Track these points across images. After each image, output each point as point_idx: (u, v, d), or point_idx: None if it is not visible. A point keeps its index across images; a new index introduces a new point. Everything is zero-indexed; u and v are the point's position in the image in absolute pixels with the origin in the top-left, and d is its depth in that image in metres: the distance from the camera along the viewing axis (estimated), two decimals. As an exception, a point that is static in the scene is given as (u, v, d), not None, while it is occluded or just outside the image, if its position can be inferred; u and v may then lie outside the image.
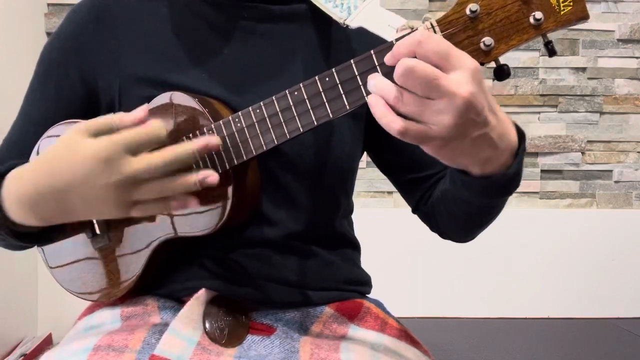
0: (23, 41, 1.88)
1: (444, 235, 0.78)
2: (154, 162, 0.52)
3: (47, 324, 1.96)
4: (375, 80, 0.48)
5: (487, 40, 0.49)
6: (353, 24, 0.61)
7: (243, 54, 0.69)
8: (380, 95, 0.47)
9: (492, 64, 0.52)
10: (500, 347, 1.83)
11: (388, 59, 0.48)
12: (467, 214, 0.67)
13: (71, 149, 0.53)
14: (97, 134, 0.53)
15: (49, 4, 2.03)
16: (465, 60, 0.46)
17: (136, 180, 0.52)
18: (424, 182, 0.77)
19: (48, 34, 2.03)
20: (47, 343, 1.86)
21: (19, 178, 0.59)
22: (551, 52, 0.50)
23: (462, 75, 0.45)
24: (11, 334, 1.80)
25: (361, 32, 0.59)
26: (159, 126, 0.53)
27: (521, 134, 0.55)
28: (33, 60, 0.75)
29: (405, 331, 0.73)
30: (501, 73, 0.51)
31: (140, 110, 0.54)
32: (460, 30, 0.50)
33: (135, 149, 0.52)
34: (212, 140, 0.55)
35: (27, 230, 0.62)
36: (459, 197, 0.62)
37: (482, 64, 0.50)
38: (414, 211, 0.81)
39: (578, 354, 1.79)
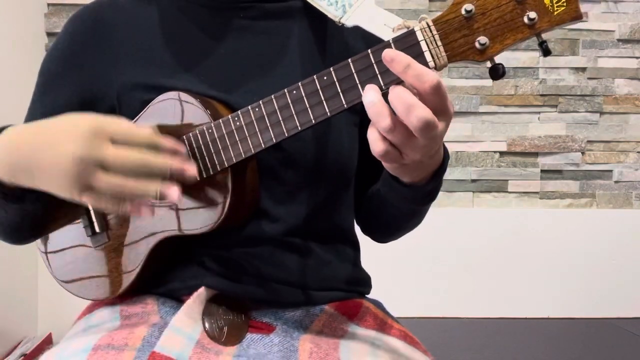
0: (23, 41, 1.88)
1: (365, 230, 0.85)
2: (127, 158, 0.52)
3: (47, 324, 1.96)
4: (371, 101, 0.50)
5: (482, 39, 0.50)
6: (348, 22, 0.61)
7: (238, 52, 0.70)
8: (374, 117, 0.50)
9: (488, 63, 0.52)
10: (500, 347, 1.83)
11: (389, 57, 0.50)
12: (391, 216, 0.75)
13: (72, 121, 0.54)
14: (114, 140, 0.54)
15: (49, 4, 2.03)
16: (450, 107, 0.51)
17: (101, 165, 0.51)
18: (363, 185, 0.80)
19: (48, 34, 2.03)
20: (47, 343, 1.86)
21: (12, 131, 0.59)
22: (545, 51, 0.51)
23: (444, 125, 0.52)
24: (11, 334, 1.80)
25: (356, 27, 0.60)
26: (150, 138, 0.54)
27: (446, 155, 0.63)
28: (33, 60, 0.76)
29: (405, 331, 0.73)
30: (496, 72, 0.52)
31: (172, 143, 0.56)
32: (455, 29, 0.51)
33: (117, 141, 0.52)
34: (190, 170, 0.56)
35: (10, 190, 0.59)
36: (389, 199, 0.68)
37: (477, 62, 0.52)
38: None
39: (578, 354, 1.79)
